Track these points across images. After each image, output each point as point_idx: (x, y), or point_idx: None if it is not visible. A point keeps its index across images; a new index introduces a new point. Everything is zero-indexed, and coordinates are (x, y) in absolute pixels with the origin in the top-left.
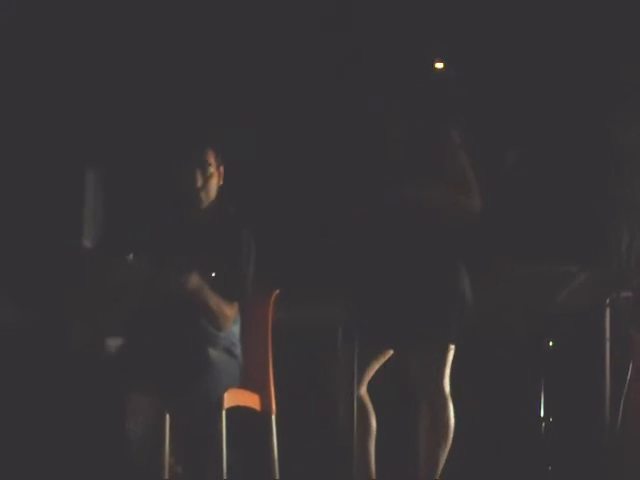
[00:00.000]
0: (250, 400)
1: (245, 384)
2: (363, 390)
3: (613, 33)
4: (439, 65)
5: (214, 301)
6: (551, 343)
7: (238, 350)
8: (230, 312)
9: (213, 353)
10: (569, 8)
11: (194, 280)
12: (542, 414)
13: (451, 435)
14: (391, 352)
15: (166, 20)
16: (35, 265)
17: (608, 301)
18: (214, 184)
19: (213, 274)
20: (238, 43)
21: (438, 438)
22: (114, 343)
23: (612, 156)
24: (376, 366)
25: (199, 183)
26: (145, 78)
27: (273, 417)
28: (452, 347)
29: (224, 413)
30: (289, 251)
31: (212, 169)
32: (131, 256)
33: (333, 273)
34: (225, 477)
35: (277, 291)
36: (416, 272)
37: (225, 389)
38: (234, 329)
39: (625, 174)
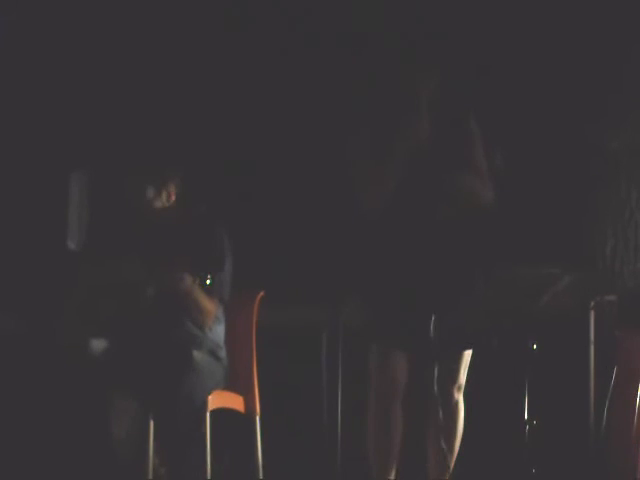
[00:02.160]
0: (234, 402)
1: (229, 386)
2: (397, 404)
3: (600, 38)
4: None
5: (202, 298)
6: (535, 345)
7: (223, 353)
8: (212, 307)
9: (197, 355)
10: (558, 14)
11: (188, 278)
12: (526, 417)
13: (459, 438)
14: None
15: (149, 35)
16: (19, 268)
17: (592, 304)
18: (158, 205)
19: (208, 281)
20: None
21: (450, 443)
22: (99, 345)
23: (597, 159)
24: (400, 374)
25: (133, 209)
26: (128, 84)
27: (257, 418)
28: (469, 352)
29: (208, 415)
30: (273, 253)
31: (148, 197)
32: (116, 258)
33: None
34: (209, 478)
35: (261, 293)
36: (440, 275)
37: (209, 391)
38: (219, 331)
39: (610, 177)
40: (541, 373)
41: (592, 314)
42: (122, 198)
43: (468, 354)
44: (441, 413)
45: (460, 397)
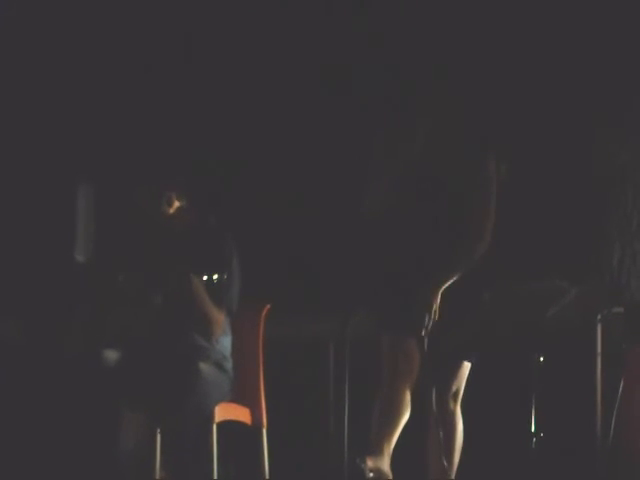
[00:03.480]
0: (241, 414)
1: (236, 398)
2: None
3: (611, 50)
4: None
5: (210, 306)
6: (542, 358)
7: (229, 364)
8: (220, 316)
9: (204, 367)
10: (567, 29)
11: (195, 279)
12: (533, 429)
13: (459, 450)
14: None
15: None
16: (28, 280)
17: (599, 316)
18: (163, 212)
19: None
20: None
21: (449, 454)
22: (106, 357)
23: (605, 172)
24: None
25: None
26: (136, 97)
27: (264, 431)
28: (468, 365)
29: (215, 427)
30: (280, 265)
31: (151, 203)
32: (123, 275)
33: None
34: None
35: (268, 306)
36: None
37: (216, 403)
38: (225, 343)
39: (617, 190)
40: (548, 386)
41: (599, 327)
42: (129, 208)
43: (466, 366)
44: (439, 424)
45: (457, 408)
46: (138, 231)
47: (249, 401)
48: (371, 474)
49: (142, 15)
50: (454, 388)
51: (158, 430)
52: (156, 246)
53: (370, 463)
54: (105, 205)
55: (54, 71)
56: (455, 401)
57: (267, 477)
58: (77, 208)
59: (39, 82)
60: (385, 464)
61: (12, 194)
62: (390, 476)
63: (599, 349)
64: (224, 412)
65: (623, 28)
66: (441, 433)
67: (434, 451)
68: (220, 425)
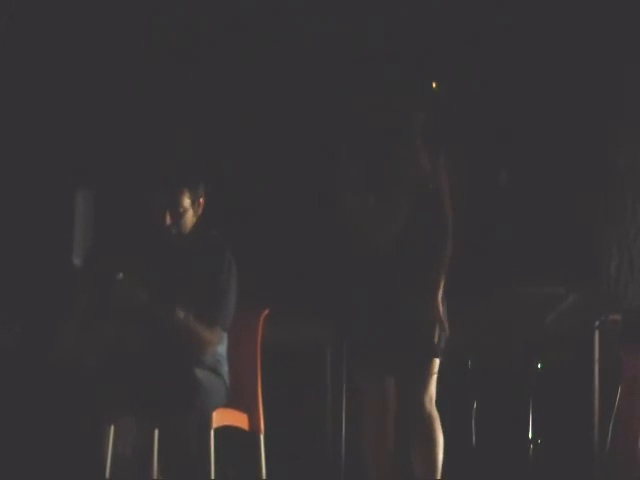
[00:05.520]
0: (238, 419)
1: (234, 403)
2: (390, 419)
3: (606, 57)
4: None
5: (199, 329)
6: (540, 365)
7: (224, 369)
8: (212, 336)
9: (199, 373)
10: (564, 32)
11: (180, 314)
12: (530, 436)
13: (441, 452)
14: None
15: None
16: (25, 283)
17: (597, 323)
18: (188, 219)
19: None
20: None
21: (431, 455)
22: (98, 362)
23: (603, 178)
24: (390, 394)
25: (167, 222)
26: (136, 97)
27: (261, 436)
28: (436, 371)
29: (212, 432)
30: (279, 271)
31: (185, 206)
32: (121, 275)
33: (324, 295)
34: None
35: (266, 311)
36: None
37: (213, 408)
38: (219, 349)
39: (615, 196)
40: (546, 392)
41: (597, 333)
42: (138, 214)
43: (435, 364)
44: (416, 427)
45: (433, 409)
46: (142, 238)
47: (247, 407)
48: None
49: (148, 17)
50: (429, 389)
51: (155, 434)
52: (155, 259)
53: None
54: (104, 209)
55: (53, 74)
56: (431, 403)
57: None
58: (75, 212)
59: (38, 85)
60: None
61: (10, 198)
62: None
63: (597, 355)
64: (222, 418)
65: (620, 38)
66: (420, 437)
67: (416, 455)
68: (218, 430)
